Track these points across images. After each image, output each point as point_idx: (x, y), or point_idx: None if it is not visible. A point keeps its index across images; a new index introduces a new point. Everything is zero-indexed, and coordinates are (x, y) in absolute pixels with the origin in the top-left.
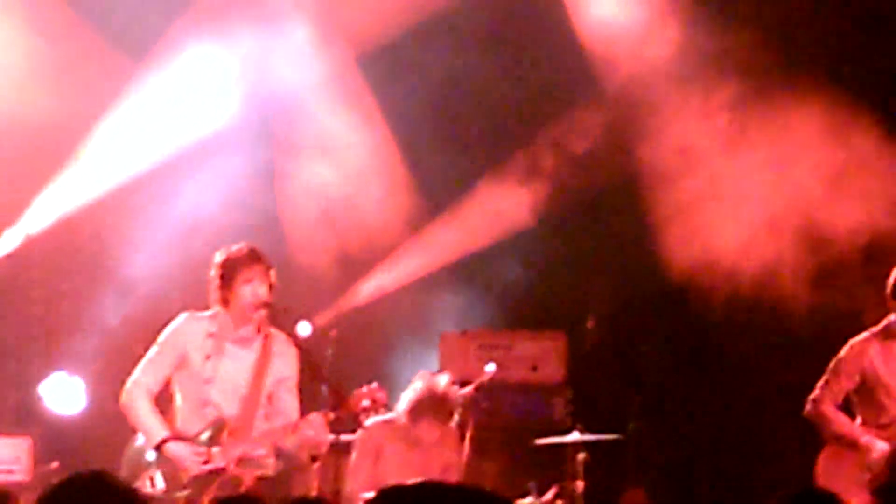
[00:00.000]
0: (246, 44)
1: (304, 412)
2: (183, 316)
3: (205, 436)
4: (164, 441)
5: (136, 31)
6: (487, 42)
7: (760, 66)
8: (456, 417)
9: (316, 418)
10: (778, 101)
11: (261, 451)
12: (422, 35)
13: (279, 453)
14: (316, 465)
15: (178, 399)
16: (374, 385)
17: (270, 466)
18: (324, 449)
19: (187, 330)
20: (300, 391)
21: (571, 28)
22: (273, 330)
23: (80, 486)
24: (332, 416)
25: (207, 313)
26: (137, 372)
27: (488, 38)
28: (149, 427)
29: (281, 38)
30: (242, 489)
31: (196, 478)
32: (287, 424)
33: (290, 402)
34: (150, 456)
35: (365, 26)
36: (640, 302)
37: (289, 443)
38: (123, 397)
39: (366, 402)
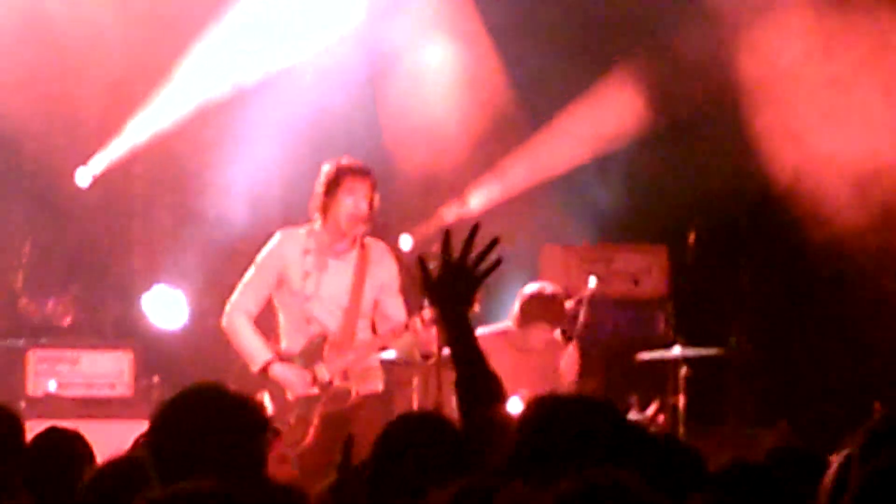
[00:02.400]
0: None
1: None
2: (278, 235)
3: (307, 351)
4: (267, 364)
5: None
6: None
7: None
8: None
9: (426, 314)
10: (874, 5)
11: (368, 363)
12: None
13: (384, 366)
14: (415, 381)
15: (282, 318)
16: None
17: (377, 382)
18: (434, 347)
19: (283, 249)
20: (403, 288)
21: None
22: (369, 239)
23: (199, 398)
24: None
25: (303, 229)
26: (236, 294)
27: None
28: (251, 350)
29: None
30: (350, 401)
31: (303, 396)
32: (390, 329)
33: (395, 306)
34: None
35: None
36: (743, 215)
37: (397, 346)
38: (224, 320)
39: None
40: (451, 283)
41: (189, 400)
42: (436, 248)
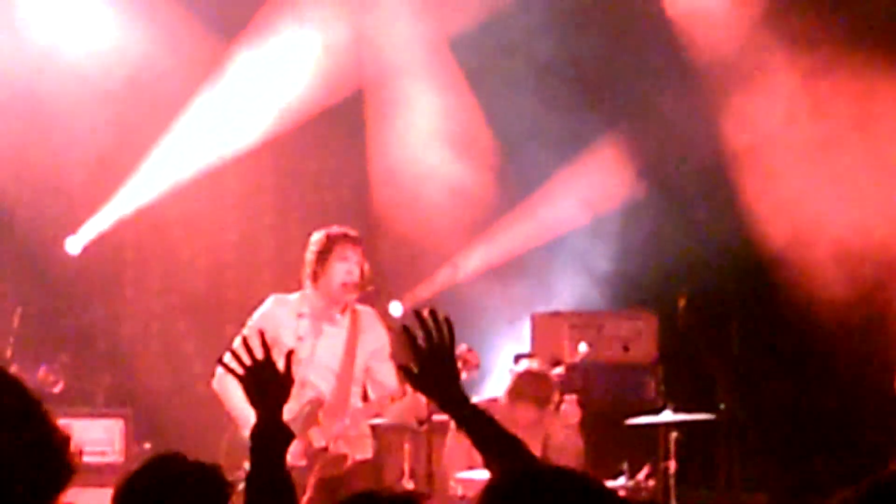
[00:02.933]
0: (337, 22)
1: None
2: (270, 299)
3: (302, 416)
4: None
5: (228, 10)
6: (576, 23)
7: (840, 34)
8: (554, 401)
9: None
10: (861, 68)
11: (360, 429)
12: (511, 15)
13: (376, 432)
14: (406, 446)
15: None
16: (465, 347)
17: (367, 448)
18: (426, 413)
19: (276, 312)
20: (393, 355)
21: (659, 10)
22: (359, 306)
23: (156, 469)
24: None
25: (295, 295)
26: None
27: (578, 18)
28: (243, 414)
29: (373, 14)
30: (346, 467)
31: (299, 460)
32: (386, 395)
33: (387, 372)
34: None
35: (457, 4)
36: (732, 281)
37: (392, 412)
38: (215, 383)
39: (458, 365)
40: (432, 368)
41: (148, 471)
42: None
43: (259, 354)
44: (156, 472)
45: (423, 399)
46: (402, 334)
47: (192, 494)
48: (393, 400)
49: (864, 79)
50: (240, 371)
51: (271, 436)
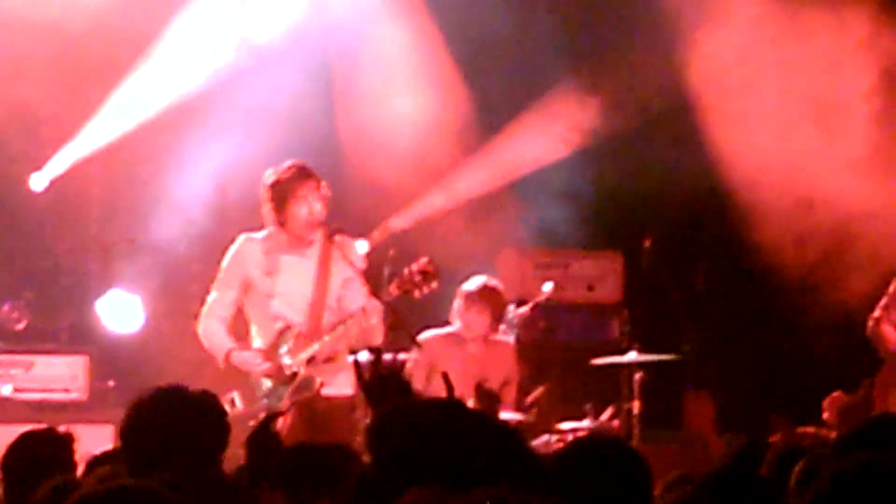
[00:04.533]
0: None
1: None
2: (240, 239)
3: (271, 343)
4: (228, 353)
5: None
6: None
7: None
8: (512, 334)
9: (372, 303)
10: (826, 5)
11: (337, 359)
12: None
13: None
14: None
15: (252, 321)
16: (425, 259)
17: (347, 385)
18: (379, 338)
19: (245, 251)
20: None
21: None
22: (337, 237)
23: (163, 396)
24: (386, 298)
25: (263, 232)
26: (207, 303)
27: None
28: (217, 345)
29: None
30: (316, 389)
31: (271, 388)
32: (344, 316)
33: (353, 298)
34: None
35: None
36: (697, 222)
37: (351, 332)
38: (198, 328)
39: (417, 278)
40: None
41: (154, 398)
42: (392, 251)
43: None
44: (162, 402)
45: (377, 328)
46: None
47: (197, 421)
48: (344, 323)
49: (827, 12)
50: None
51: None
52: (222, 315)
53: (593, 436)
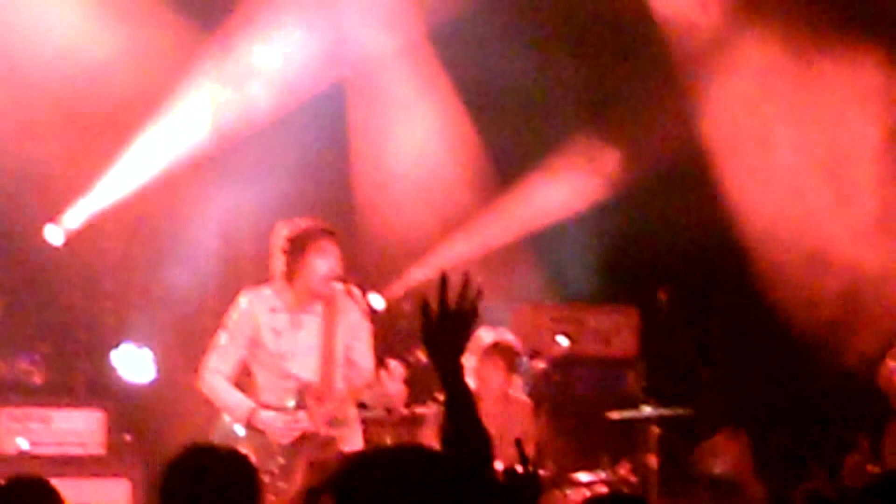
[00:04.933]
0: (319, 14)
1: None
2: (244, 298)
3: (290, 404)
4: (252, 412)
5: (208, 2)
6: (559, 22)
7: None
8: (523, 389)
9: (395, 367)
10: (837, 56)
11: (348, 415)
12: (488, 10)
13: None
14: (388, 440)
15: (258, 377)
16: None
17: (359, 438)
18: (398, 402)
19: (253, 310)
20: (374, 347)
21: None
22: (336, 285)
23: (194, 459)
24: (406, 363)
25: (268, 289)
26: (209, 359)
27: (560, 18)
28: (234, 403)
29: (354, 8)
30: (336, 450)
31: (288, 446)
32: (363, 382)
33: (362, 351)
34: (239, 431)
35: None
36: (713, 274)
37: (366, 396)
38: (201, 385)
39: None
40: (449, 330)
41: (189, 460)
42: (407, 306)
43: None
44: (194, 462)
45: (397, 387)
46: (419, 314)
47: (229, 481)
48: (369, 387)
49: (843, 64)
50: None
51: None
52: (227, 374)
53: (616, 493)
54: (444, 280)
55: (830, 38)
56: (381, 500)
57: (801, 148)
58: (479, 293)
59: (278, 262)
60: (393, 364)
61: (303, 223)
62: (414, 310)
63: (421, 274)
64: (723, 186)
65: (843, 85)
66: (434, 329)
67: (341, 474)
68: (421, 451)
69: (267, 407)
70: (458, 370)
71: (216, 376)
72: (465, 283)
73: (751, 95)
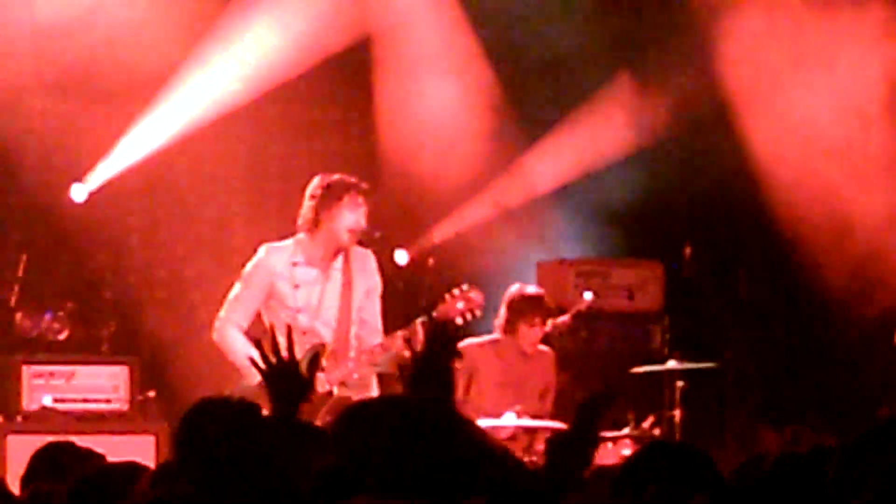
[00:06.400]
0: None
1: (403, 323)
2: (264, 248)
3: (304, 363)
4: None
5: None
6: None
7: None
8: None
9: (416, 328)
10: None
11: (364, 374)
12: None
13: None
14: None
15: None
16: (466, 286)
17: (372, 390)
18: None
19: (271, 261)
20: (397, 303)
21: None
22: (353, 248)
23: (216, 411)
24: (428, 322)
25: (289, 242)
26: (224, 309)
27: None
28: (247, 362)
29: None
30: None
31: (304, 405)
32: (381, 342)
33: (372, 310)
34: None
35: None
36: (738, 230)
37: (381, 359)
38: (214, 335)
39: (460, 304)
40: (429, 381)
41: (206, 412)
42: (431, 261)
43: (284, 354)
44: (206, 414)
45: (405, 351)
46: (399, 377)
47: (240, 432)
48: (384, 349)
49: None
50: (262, 366)
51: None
52: (241, 325)
53: (660, 442)
54: (408, 342)
55: None
56: (373, 443)
57: (814, 93)
58: (456, 333)
59: (307, 211)
60: (415, 324)
61: (342, 177)
62: (438, 265)
63: (446, 229)
64: (745, 137)
65: (848, 24)
66: (413, 385)
67: (336, 423)
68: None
69: None
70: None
71: (230, 327)
72: (439, 329)
73: (761, 38)
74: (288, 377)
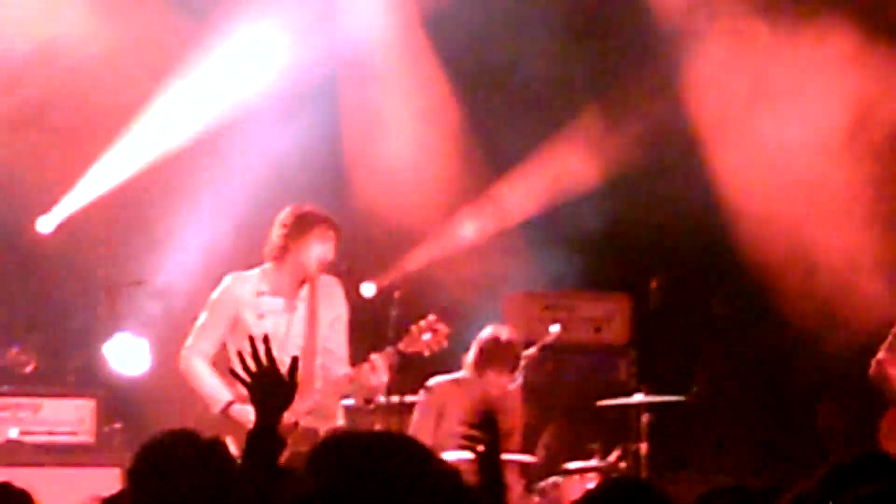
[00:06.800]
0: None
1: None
2: (229, 278)
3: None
4: (229, 404)
5: None
6: (551, 11)
7: None
8: (519, 377)
9: (377, 360)
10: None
11: (330, 404)
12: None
13: (347, 412)
14: (377, 426)
15: (236, 360)
16: (433, 317)
17: (337, 419)
18: (379, 394)
19: (236, 290)
20: (364, 336)
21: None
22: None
23: (168, 445)
24: (393, 354)
25: (254, 272)
26: (191, 338)
27: (552, 7)
28: (211, 392)
29: None
30: (318, 439)
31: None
32: (348, 374)
33: (338, 341)
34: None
35: None
36: (705, 262)
37: (348, 389)
38: (181, 363)
39: (426, 336)
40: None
41: (162, 445)
42: (398, 294)
43: (265, 361)
44: (168, 448)
45: (379, 379)
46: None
47: (203, 466)
48: (350, 380)
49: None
50: (245, 377)
51: (266, 441)
52: (209, 354)
53: (622, 478)
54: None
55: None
56: (353, 475)
57: (781, 123)
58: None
59: (275, 239)
60: (374, 357)
61: (312, 209)
62: (405, 297)
63: (412, 261)
64: (712, 168)
65: (814, 54)
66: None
67: (315, 452)
68: (389, 434)
69: (245, 396)
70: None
71: (197, 357)
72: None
73: (728, 69)
74: (272, 382)
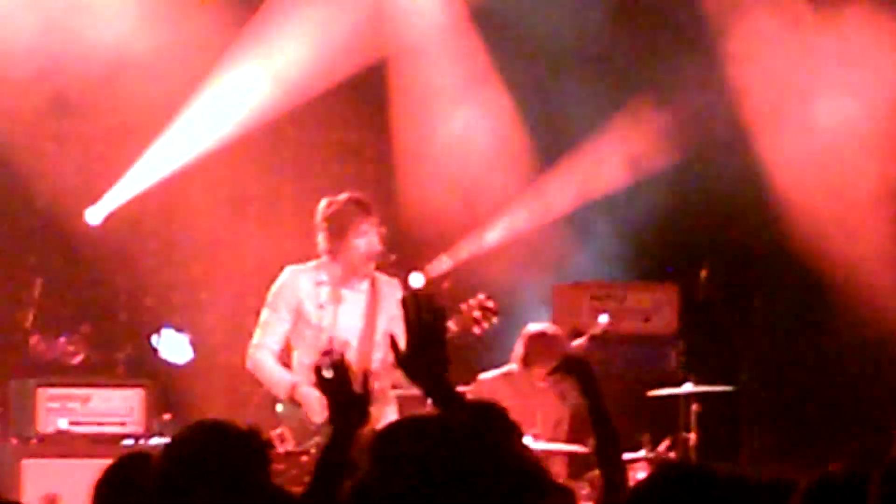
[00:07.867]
0: None
1: None
2: (287, 270)
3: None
4: (294, 385)
5: None
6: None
7: None
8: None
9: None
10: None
11: (385, 392)
12: None
13: (402, 400)
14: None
15: (296, 353)
16: (482, 296)
17: (392, 401)
18: None
19: (296, 283)
20: None
21: None
22: (379, 275)
23: (199, 434)
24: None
25: (312, 264)
26: (257, 335)
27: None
28: (278, 379)
29: None
30: (371, 427)
31: (324, 424)
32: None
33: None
34: (279, 408)
35: None
36: (754, 252)
37: (400, 378)
38: (248, 362)
39: (476, 313)
40: (423, 351)
41: (192, 436)
42: (446, 284)
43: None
44: (200, 438)
45: None
46: (388, 343)
47: (234, 457)
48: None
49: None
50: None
51: (338, 459)
52: (274, 349)
53: (676, 464)
54: (406, 303)
55: None
56: (414, 462)
57: (833, 110)
58: (441, 310)
59: (321, 241)
60: None
61: (342, 201)
62: (453, 288)
63: (461, 252)
64: (762, 158)
65: (864, 34)
66: (408, 354)
67: (377, 440)
68: (445, 419)
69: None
70: (443, 388)
71: (263, 352)
72: (425, 303)
73: (778, 60)
74: (348, 402)
